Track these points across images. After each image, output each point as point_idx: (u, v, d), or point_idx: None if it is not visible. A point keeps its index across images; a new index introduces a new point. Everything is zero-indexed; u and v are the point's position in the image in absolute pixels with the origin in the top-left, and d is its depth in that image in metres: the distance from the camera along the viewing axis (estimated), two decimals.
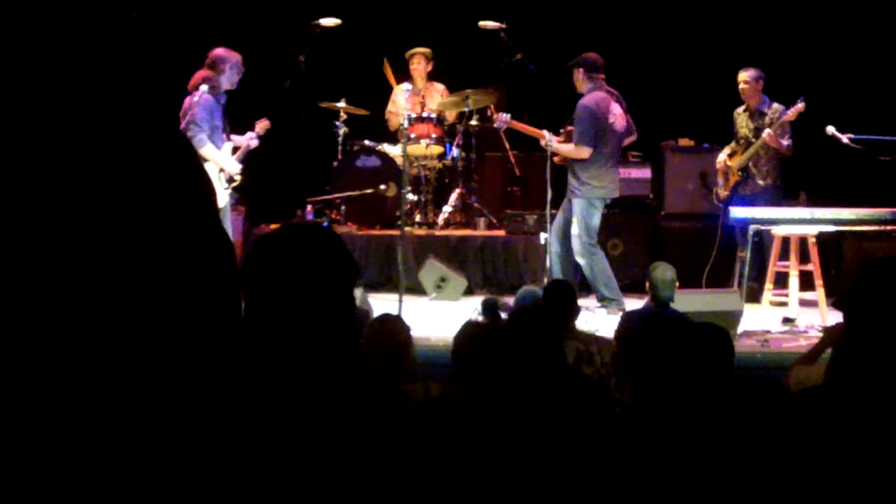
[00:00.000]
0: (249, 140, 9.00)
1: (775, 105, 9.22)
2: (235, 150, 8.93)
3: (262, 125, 9.17)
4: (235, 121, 9.00)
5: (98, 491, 1.13)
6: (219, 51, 8.69)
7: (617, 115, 8.93)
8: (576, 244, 8.88)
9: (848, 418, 2.75)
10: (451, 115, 11.06)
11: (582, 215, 8.87)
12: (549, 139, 8.94)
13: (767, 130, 9.04)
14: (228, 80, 8.68)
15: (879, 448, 2.69)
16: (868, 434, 2.71)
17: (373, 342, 4.55)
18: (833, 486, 2.70)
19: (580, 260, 8.88)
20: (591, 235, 8.90)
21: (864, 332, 2.84)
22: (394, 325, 4.74)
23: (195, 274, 1.18)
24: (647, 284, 6.59)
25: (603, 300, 8.82)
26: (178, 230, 1.18)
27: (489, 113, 10.69)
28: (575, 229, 8.90)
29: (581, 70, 8.94)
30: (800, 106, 8.91)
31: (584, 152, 8.84)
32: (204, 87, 8.54)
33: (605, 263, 8.95)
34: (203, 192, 1.24)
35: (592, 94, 8.89)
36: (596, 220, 8.93)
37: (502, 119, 9.36)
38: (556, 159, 9.04)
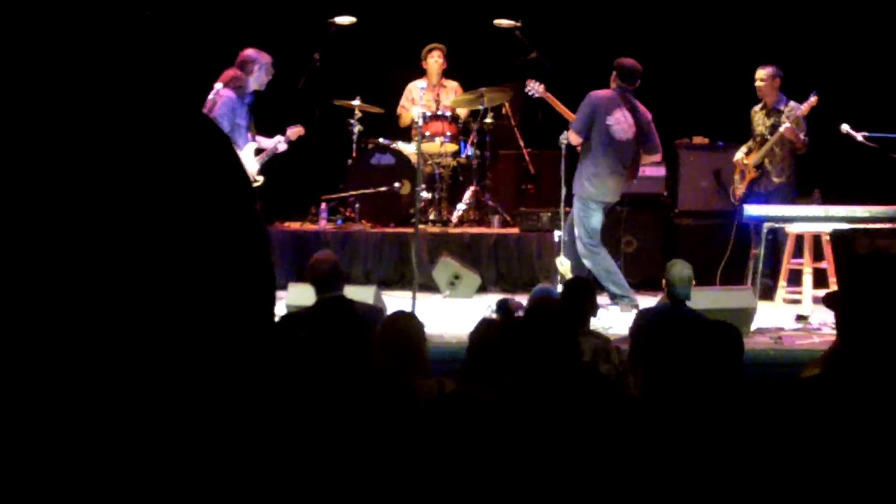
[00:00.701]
0: (277, 143, 9.07)
1: (791, 103, 9.22)
2: (259, 151, 8.98)
3: (295, 131, 9.23)
4: (258, 120, 9.05)
5: (99, 491, 1.15)
6: (249, 51, 8.74)
7: (621, 121, 8.82)
8: (578, 246, 8.87)
9: (839, 409, 2.77)
10: (465, 113, 11.07)
11: (579, 216, 8.85)
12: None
13: (786, 124, 9.04)
14: (256, 81, 8.73)
15: (870, 438, 2.71)
16: (860, 423, 2.73)
17: (387, 339, 4.59)
18: (825, 477, 2.72)
19: (585, 261, 8.84)
20: (592, 236, 8.85)
21: (855, 326, 2.86)
22: (408, 322, 4.77)
23: (230, 267, 1.19)
24: (664, 282, 6.58)
25: (614, 298, 8.81)
26: (215, 222, 1.20)
27: (503, 112, 10.70)
28: (576, 231, 8.90)
29: (614, 72, 8.96)
30: (812, 100, 8.94)
31: (574, 138, 8.84)
32: (219, 85, 8.58)
33: (609, 261, 8.91)
34: (241, 180, 1.25)
35: (603, 90, 8.92)
36: (595, 222, 8.87)
37: (534, 86, 9.31)
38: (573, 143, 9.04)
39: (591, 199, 8.80)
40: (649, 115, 9.02)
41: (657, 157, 9.29)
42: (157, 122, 1.19)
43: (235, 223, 1.20)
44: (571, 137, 8.83)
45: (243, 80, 8.62)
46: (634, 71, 8.88)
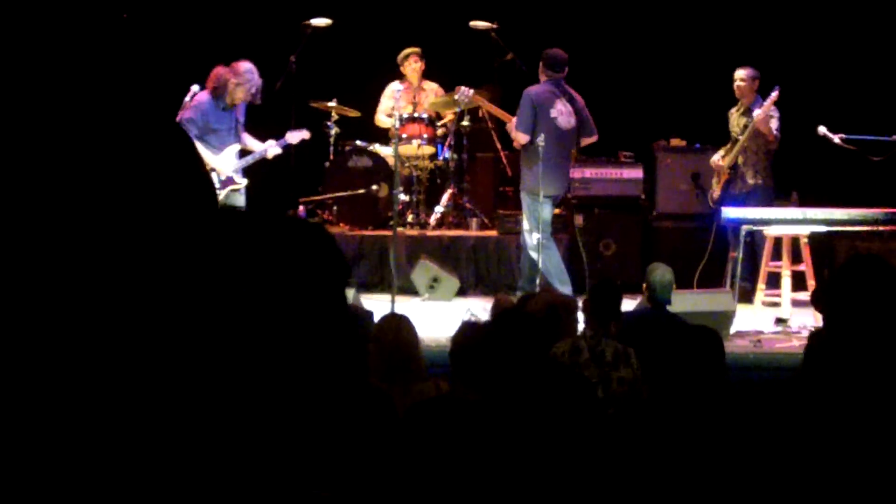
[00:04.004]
0: (267, 147, 9.06)
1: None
2: (246, 153, 8.94)
3: (298, 135, 9.18)
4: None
5: (97, 491, 1.12)
6: (248, 66, 8.68)
7: (563, 112, 8.93)
8: (529, 240, 8.86)
9: (820, 409, 2.76)
10: (442, 115, 11.04)
11: (530, 210, 8.87)
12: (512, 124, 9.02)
13: (756, 111, 9.04)
14: (231, 93, 8.67)
15: (851, 435, 2.70)
16: (839, 422, 2.72)
17: (383, 343, 4.54)
18: (814, 478, 2.70)
19: (533, 254, 8.83)
20: (545, 229, 8.89)
21: (842, 324, 2.86)
22: (403, 325, 4.73)
23: (196, 268, 1.16)
24: (644, 285, 6.54)
25: None
26: (177, 224, 1.17)
27: (480, 115, 10.68)
28: (525, 225, 8.90)
29: (541, 63, 9.04)
30: (774, 95, 8.96)
31: (521, 137, 8.89)
32: (195, 88, 8.54)
33: (559, 257, 8.97)
34: (203, 185, 1.22)
35: (537, 86, 8.99)
36: (546, 214, 8.92)
37: (464, 92, 9.38)
38: (515, 143, 9.12)
39: (541, 193, 8.78)
40: (582, 100, 9.13)
41: (594, 139, 9.35)
42: (120, 124, 1.16)
43: (194, 224, 1.17)
44: (519, 138, 8.90)
45: (227, 88, 8.56)
46: (561, 59, 9.02)
